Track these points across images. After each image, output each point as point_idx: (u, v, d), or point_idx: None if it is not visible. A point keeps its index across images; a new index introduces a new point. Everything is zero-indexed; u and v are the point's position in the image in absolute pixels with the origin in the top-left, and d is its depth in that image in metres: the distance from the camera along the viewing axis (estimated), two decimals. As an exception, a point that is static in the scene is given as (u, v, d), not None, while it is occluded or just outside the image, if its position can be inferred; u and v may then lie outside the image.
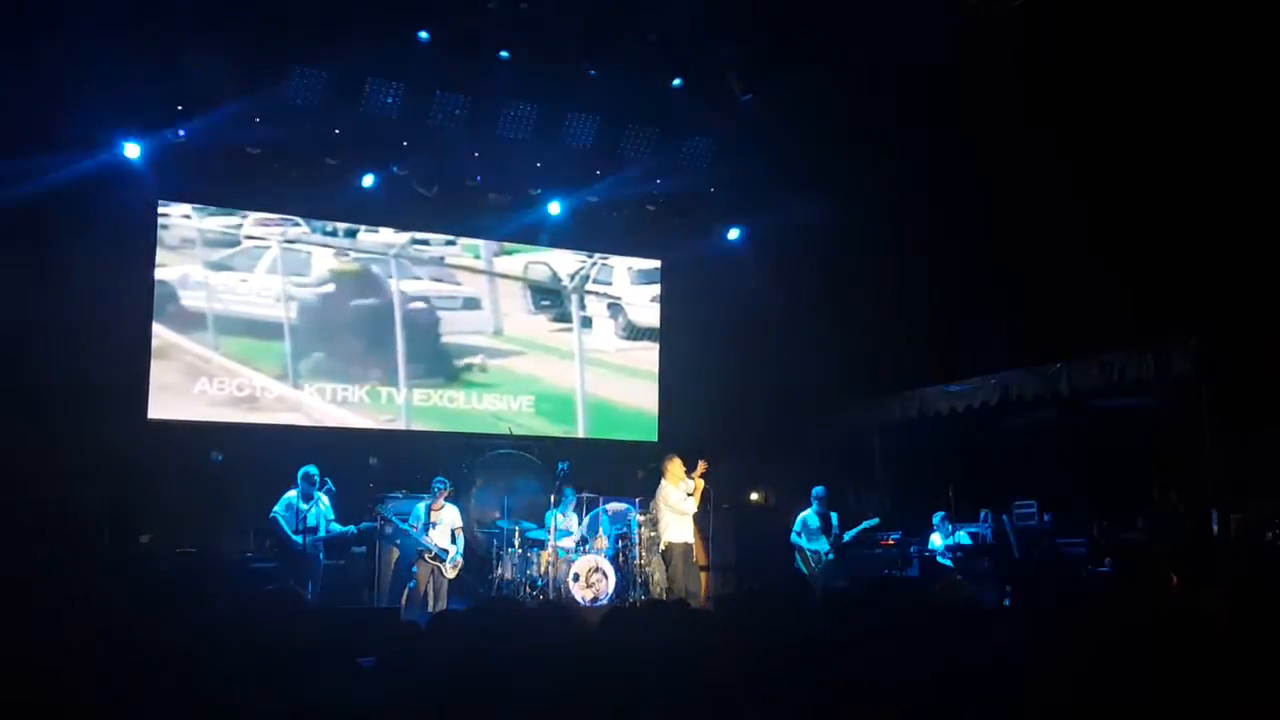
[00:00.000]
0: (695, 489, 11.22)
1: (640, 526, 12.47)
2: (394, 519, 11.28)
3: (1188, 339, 10.22)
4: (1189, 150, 9.95)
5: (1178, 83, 9.66)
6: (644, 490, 12.75)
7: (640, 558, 12.35)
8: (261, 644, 3.74)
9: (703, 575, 12.52)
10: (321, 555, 10.83)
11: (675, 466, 11.32)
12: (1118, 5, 9.24)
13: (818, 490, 12.44)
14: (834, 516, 12.44)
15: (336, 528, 10.98)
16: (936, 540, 12.09)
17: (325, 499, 10.89)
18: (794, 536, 12.46)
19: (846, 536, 12.38)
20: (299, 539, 10.56)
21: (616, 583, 11.67)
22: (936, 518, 12.07)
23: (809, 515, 12.42)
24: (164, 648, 3.41)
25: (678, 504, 11.10)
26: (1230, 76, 9.36)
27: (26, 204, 10.47)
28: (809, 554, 12.30)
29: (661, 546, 11.32)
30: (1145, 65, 9.66)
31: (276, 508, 10.70)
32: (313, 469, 10.79)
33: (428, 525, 11.19)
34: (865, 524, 12.48)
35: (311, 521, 10.72)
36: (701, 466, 11.40)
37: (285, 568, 10.51)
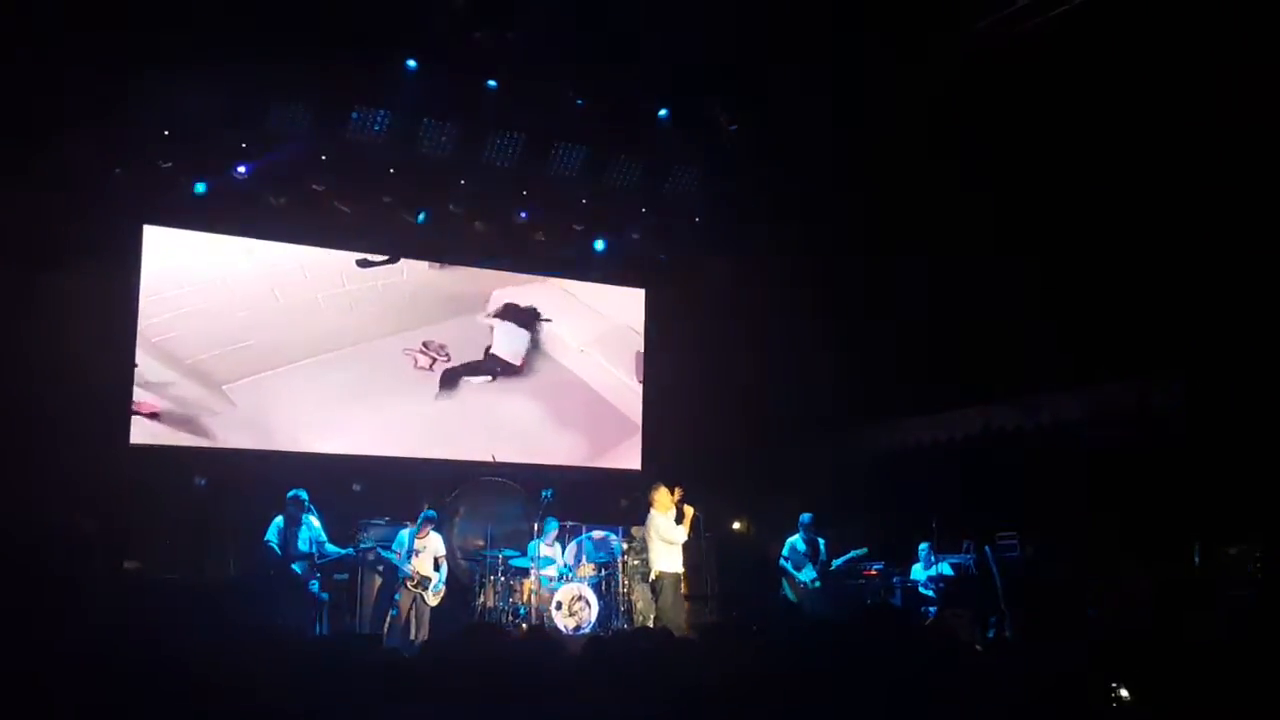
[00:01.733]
0: (686, 517, 11.13)
1: (624, 554, 12.43)
2: (377, 546, 11.25)
3: (1171, 372, 10.28)
4: (1176, 181, 10.02)
5: (1162, 114, 9.75)
6: (627, 518, 12.72)
7: (624, 586, 12.31)
8: (244, 670, 3.72)
9: (686, 604, 12.48)
10: (314, 581, 10.81)
11: (663, 496, 11.21)
12: (1107, 32, 9.34)
13: (804, 517, 12.43)
14: (821, 542, 12.42)
15: (331, 549, 10.97)
16: (918, 571, 12.10)
17: (316, 521, 10.88)
18: (781, 561, 12.44)
19: (835, 564, 12.36)
20: (297, 566, 10.59)
21: (599, 611, 11.63)
22: (923, 548, 12.06)
23: (796, 540, 12.41)
24: (148, 674, 3.39)
25: (668, 533, 11.02)
26: (1214, 111, 9.46)
27: (11, 229, 10.45)
28: (797, 581, 12.28)
29: (652, 576, 11.22)
30: (1131, 92, 9.75)
31: (268, 533, 10.70)
32: (301, 492, 10.81)
33: (411, 552, 11.16)
34: (853, 553, 12.46)
35: (302, 545, 10.71)
36: (678, 492, 11.34)
37: (275, 593, 10.49)
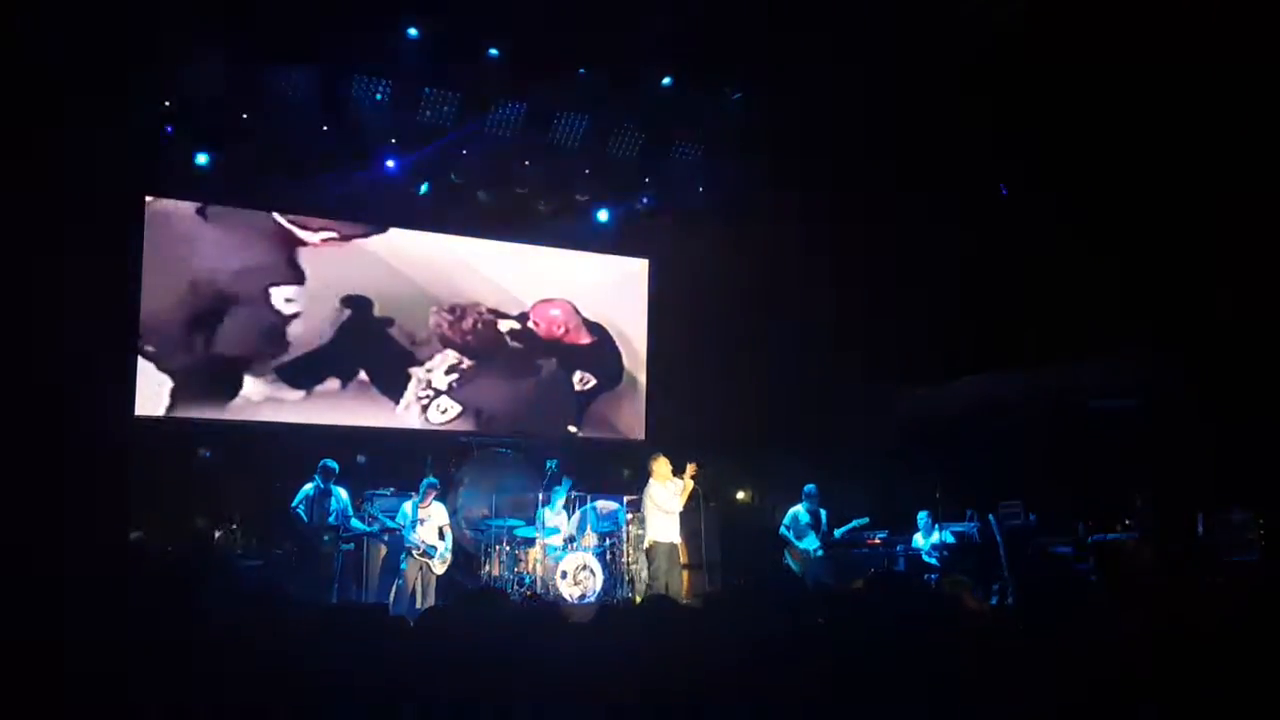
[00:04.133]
0: (684, 489, 11.19)
1: (628, 524, 12.47)
2: (381, 516, 11.29)
3: (1175, 341, 10.28)
4: (1179, 154, 9.99)
5: (1168, 86, 9.71)
6: (631, 488, 12.75)
7: (628, 555, 12.36)
8: (250, 640, 3.74)
9: (685, 573, 12.54)
10: (337, 550, 10.87)
11: (662, 465, 11.27)
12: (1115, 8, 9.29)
13: (808, 488, 12.44)
14: (824, 513, 12.45)
15: (356, 524, 11.02)
16: (919, 540, 12.14)
17: (344, 493, 10.93)
18: (783, 530, 12.47)
19: (838, 534, 12.39)
20: (325, 537, 10.64)
21: (604, 581, 11.69)
22: (922, 517, 12.10)
23: (799, 511, 12.43)
24: (153, 644, 3.41)
25: (663, 502, 11.09)
26: (1220, 82, 9.41)
27: (11, 200, 10.41)
28: (798, 550, 12.31)
29: (645, 544, 11.33)
30: (1135, 67, 9.71)
31: (295, 500, 10.74)
32: (331, 462, 10.86)
33: (415, 522, 11.19)
34: (856, 522, 12.50)
35: (330, 518, 10.75)
36: (692, 469, 11.38)
37: (303, 563, 10.57)
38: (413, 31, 11.01)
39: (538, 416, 13.83)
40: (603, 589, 11.65)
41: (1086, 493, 11.50)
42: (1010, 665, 3.44)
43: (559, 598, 11.22)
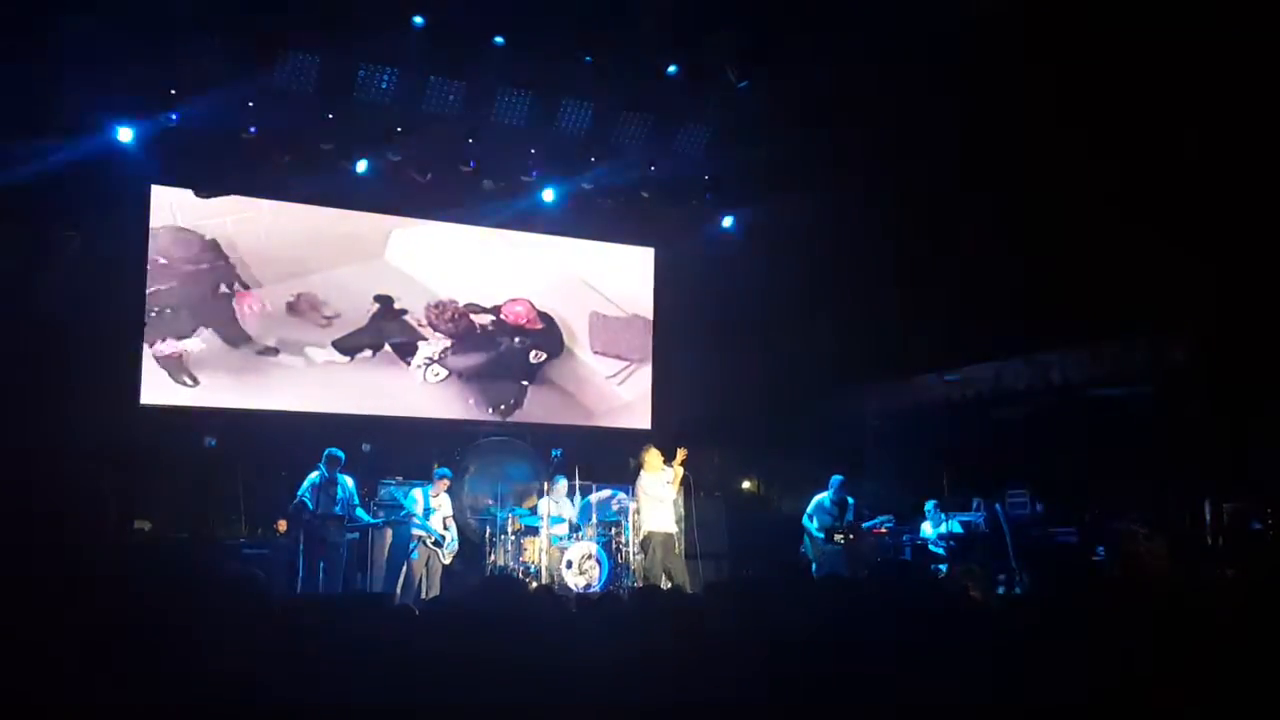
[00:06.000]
0: (674, 477, 11.28)
1: (632, 514, 12.46)
2: (401, 498, 11.33)
3: (1181, 328, 10.24)
4: (1184, 140, 9.95)
5: (1172, 75, 9.67)
6: (635, 477, 12.75)
7: (631, 545, 12.35)
8: (255, 628, 3.73)
9: (686, 563, 12.56)
10: (344, 539, 10.85)
11: (653, 456, 11.39)
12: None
13: (835, 478, 12.33)
14: (851, 502, 12.33)
15: (362, 514, 11.02)
16: (927, 529, 12.10)
17: (350, 482, 10.92)
18: (805, 519, 12.40)
19: (865, 526, 12.31)
20: (330, 527, 10.66)
21: (609, 570, 11.69)
22: (929, 506, 12.05)
23: (823, 499, 12.32)
24: (156, 633, 3.40)
25: (654, 491, 11.19)
26: (1225, 70, 9.37)
27: (19, 188, 10.41)
28: (817, 539, 12.24)
29: (641, 535, 11.40)
30: (1141, 55, 9.66)
31: (301, 489, 10.73)
32: (337, 450, 10.84)
33: (427, 511, 11.20)
34: (879, 519, 12.44)
35: (337, 507, 10.74)
36: (681, 454, 11.42)
37: (308, 552, 10.58)
38: (419, 20, 10.98)
39: (501, 378, 13.97)
40: (607, 579, 11.65)
41: (1092, 482, 11.48)
42: (1017, 654, 3.43)
43: (564, 587, 11.22)
